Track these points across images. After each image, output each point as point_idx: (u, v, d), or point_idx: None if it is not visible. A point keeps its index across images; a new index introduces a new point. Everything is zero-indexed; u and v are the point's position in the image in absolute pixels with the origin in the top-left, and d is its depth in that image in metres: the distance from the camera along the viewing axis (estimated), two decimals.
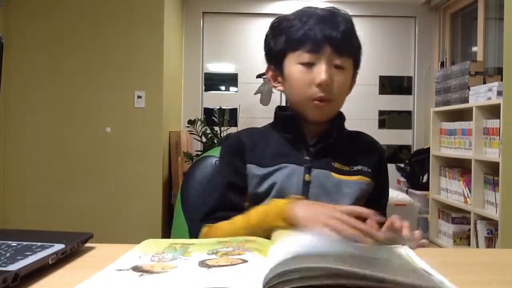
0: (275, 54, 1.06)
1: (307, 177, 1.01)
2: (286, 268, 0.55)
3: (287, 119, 1.07)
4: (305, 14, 1.02)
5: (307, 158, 1.03)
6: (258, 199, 1.02)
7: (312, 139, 1.05)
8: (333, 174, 1.02)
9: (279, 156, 1.03)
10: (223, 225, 0.97)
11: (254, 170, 1.03)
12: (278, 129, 1.08)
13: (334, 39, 0.98)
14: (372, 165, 1.06)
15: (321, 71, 0.98)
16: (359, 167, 1.04)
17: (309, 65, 1.00)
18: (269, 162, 1.03)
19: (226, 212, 1.01)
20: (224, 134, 4.08)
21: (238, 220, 0.95)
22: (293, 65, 1.02)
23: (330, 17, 1.01)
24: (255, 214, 0.92)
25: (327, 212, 0.84)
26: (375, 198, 1.06)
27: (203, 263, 0.63)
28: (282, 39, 1.04)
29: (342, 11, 1.04)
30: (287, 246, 0.68)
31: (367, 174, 1.04)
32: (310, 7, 1.05)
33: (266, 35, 1.09)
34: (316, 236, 0.71)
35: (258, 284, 0.54)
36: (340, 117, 1.08)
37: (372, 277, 0.56)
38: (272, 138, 1.07)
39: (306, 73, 1.00)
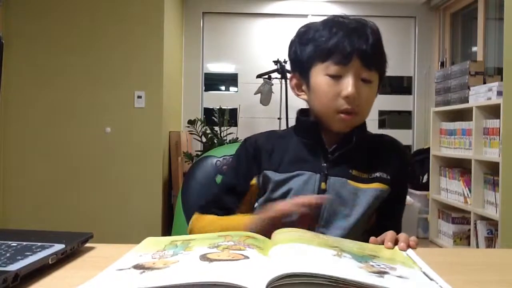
0: (302, 63, 1.04)
1: (323, 185, 0.99)
2: (292, 271, 0.56)
3: (308, 125, 1.05)
4: (335, 24, 1.00)
5: (325, 165, 1.01)
6: (272, 201, 1.02)
7: (331, 146, 1.03)
8: (350, 182, 1.00)
9: (296, 162, 1.02)
10: (207, 217, 1.05)
11: (270, 175, 1.03)
12: (298, 134, 1.07)
13: (363, 52, 0.97)
14: (392, 171, 1.03)
15: (348, 84, 0.96)
16: (377, 174, 1.01)
17: (336, 77, 0.98)
18: (286, 168, 1.02)
19: (217, 210, 1.06)
20: (224, 134, 4.08)
21: (220, 219, 1.03)
22: (320, 76, 1.00)
23: (360, 29, 0.99)
24: (231, 221, 1.00)
25: (270, 213, 0.91)
26: (389, 206, 1.03)
27: (204, 257, 0.63)
28: (310, 48, 1.01)
29: (371, 23, 1.02)
30: (292, 250, 0.68)
31: (386, 181, 1.01)
32: (338, 17, 1.03)
33: (292, 42, 1.07)
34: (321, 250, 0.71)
35: (262, 282, 0.54)
36: (362, 124, 1.06)
37: None
38: (292, 143, 1.06)
39: (333, 85, 0.98)
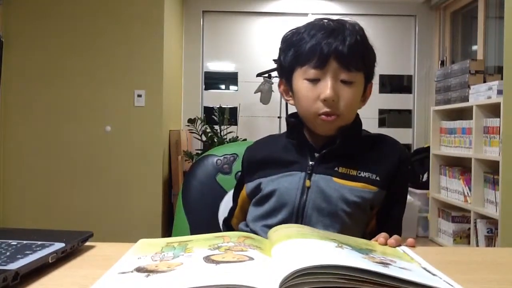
0: (285, 69, 1.04)
1: (307, 182, 1.00)
2: (302, 266, 0.55)
3: (292, 126, 1.06)
4: (313, 27, 1.00)
5: (311, 163, 1.02)
6: (260, 202, 1.05)
7: (318, 145, 1.04)
8: (335, 179, 0.99)
9: (285, 163, 1.04)
10: None
11: (260, 180, 1.06)
12: (287, 136, 1.09)
13: (340, 53, 0.96)
14: (385, 173, 1.01)
15: (326, 87, 0.96)
16: (366, 174, 1.00)
17: (315, 81, 0.98)
18: (276, 170, 1.04)
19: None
20: (224, 133, 4.09)
21: None
22: (300, 80, 1.00)
23: (338, 30, 0.98)
24: None
25: None
26: (387, 207, 1.03)
27: (208, 259, 0.62)
28: (291, 53, 1.02)
29: (352, 22, 1.01)
30: (295, 246, 0.68)
31: (374, 182, 1.00)
32: (320, 19, 1.02)
33: (279, 49, 1.07)
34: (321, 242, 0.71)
35: (274, 282, 0.54)
36: (354, 122, 1.04)
37: (396, 278, 0.57)
38: (282, 145, 1.08)
39: (311, 89, 0.98)
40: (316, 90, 0.98)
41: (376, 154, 1.04)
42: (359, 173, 1.00)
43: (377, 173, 1.00)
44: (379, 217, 1.03)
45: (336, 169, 1.01)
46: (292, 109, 1.12)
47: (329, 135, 1.02)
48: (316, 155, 1.02)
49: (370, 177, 1.00)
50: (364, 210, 1.00)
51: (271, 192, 1.02)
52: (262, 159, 1.08)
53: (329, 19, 1.02)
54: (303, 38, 1.00)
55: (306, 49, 0.98)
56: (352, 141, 1.02)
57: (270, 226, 0.97)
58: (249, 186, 1.08)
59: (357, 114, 1.05)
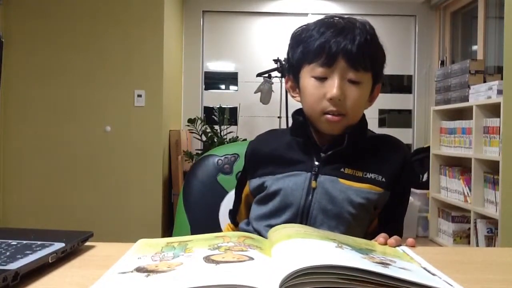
0: (293, 66, 1.04)
1: (313, 183, 0.99)
2: (302, 266, 0.55)
3: (299, 124, 1.05)
4: (323, 25, 0.99)
5: (317, 163, 1.01)
6: (264, 201, 1.04)
7: (324, 145, 1.02)
8: (341, 180, 0.99)
9: (290, 162, 1.03)
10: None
11: (265, 178, 1.04)
12: (292, 134, 1.07)
13: (349, 52, 0.94)
14: (389, 174, 1.00)
15: (333, 86, 0.95)
16: (372, 175, 0.99)
17: (322, 79, 0.97)
18: (280, 169, 1.03)
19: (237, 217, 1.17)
20: (224, 133, 4.09)
21: None
22: (307, 78, 0.99)
23: (348, 29, 0.96)
24: None
25: None
26: (390, 207, 1.02)
27: (208, 259, 0.62)
28: (299, 50, 1.01)
29: (363, 21, 1.00)
30: (295, 246, 0.68)
31: (379, 183, 0.99)
32: (330, 17, 1.01)
33: (288, 45, 1.07)
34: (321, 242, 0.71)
35: (274, 282, 0.54)
36: (360, 122, 1.04)
37: (396, 278, 0.57)
38: (287, 143, 1.07)
39: (318, 87, 0.97)
40: (322, 89, 0.97)
41: (381, 155, 1.03)
42: (365, 174, 1.00)
43: (382, 174, 1.00)
44: (381, 217, 1.03)
45: (342, 170, 1.00)
46: (292, 110, 1.11)
47: (335, 134, 1.01)
48: (322, 155, 1.01)
49: (376, 178, 0.99)
50: (368, 211, 1.00)
51: (276, 191, 1.01)
52: (265, 155, 1.06)
53: (339, 17, 1.01)
54: (312, 35, 0.98)
55: (314, 46, 0.97)
56: (358, 141, 1.02)
57: (273, 226, 0.97)
58: (253, 183, 1.07)
59: (363, 115, 1.05)
